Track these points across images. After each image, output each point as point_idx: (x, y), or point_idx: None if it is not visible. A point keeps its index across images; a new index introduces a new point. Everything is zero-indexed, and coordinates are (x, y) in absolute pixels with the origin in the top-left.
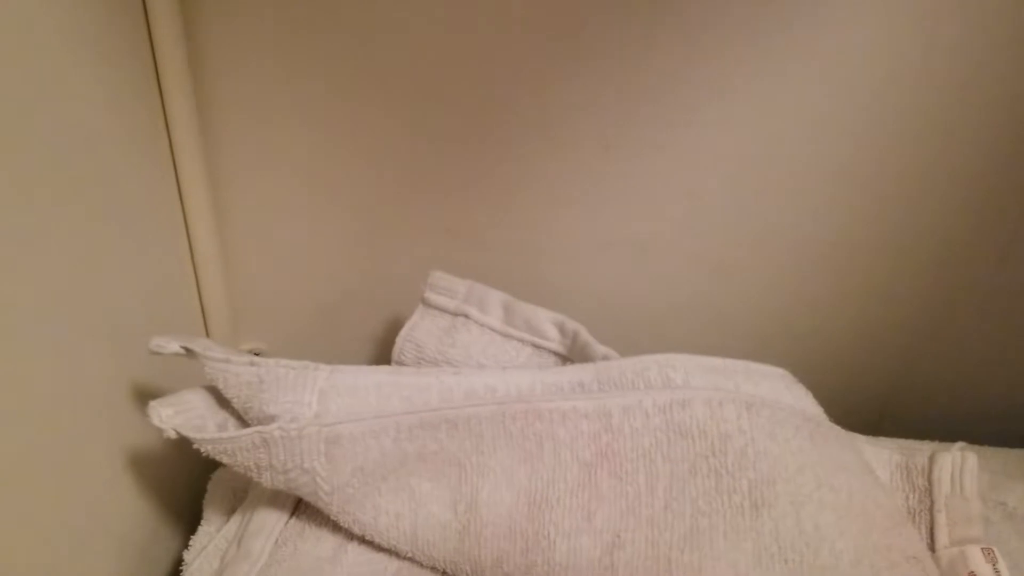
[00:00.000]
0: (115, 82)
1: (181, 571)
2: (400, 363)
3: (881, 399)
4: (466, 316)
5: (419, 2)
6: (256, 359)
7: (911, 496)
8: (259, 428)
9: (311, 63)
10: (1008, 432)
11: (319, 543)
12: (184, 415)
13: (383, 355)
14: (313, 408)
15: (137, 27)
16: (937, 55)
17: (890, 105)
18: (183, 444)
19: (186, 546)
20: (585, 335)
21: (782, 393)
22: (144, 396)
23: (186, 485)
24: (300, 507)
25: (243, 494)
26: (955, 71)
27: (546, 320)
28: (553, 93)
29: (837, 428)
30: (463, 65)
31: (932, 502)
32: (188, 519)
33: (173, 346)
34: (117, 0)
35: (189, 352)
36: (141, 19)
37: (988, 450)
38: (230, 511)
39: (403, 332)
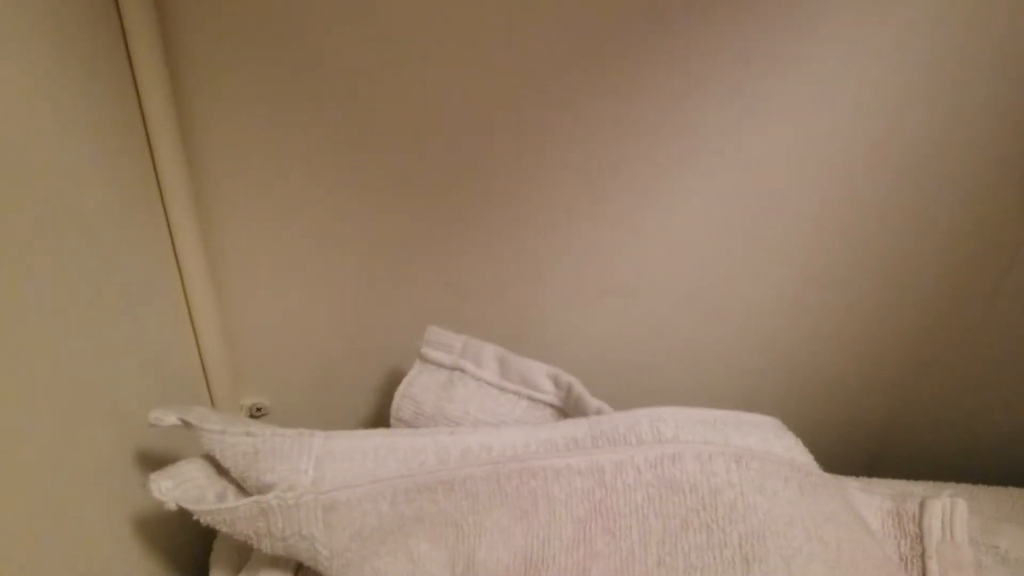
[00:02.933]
0: (106, 148)
1: None
2: (398, 419)
3: (876, 436)
4: (462, 371)
5: (409, 65)
6: (252, 428)
7: (903, 543)
8: (257, 498)
9: (307, 122)
10: (1004, 467)
11: None
12: (183, 487)
13: (384, 407)
14: (310, 475)
15: (126, 92)
16: (918, 102)
17: (877, 150)
18: (188, 512)
19: None
20: (579, 388)
21: (772, 443)
22: (147, 460)
23: (193, 544)
24: (302, 568)
25: (248, 553)
26: (939, 109)
27: (541, 373)
28: (546, 149)
29: (827, 476)
30: (462, 124)
31: (924, 549)
32: None
33: (171, 418)
34: (106, 71)
35: (186, 423)
36: (130, 85)
37: (980, 491)
38: (236, 570)
39: (401, 388)
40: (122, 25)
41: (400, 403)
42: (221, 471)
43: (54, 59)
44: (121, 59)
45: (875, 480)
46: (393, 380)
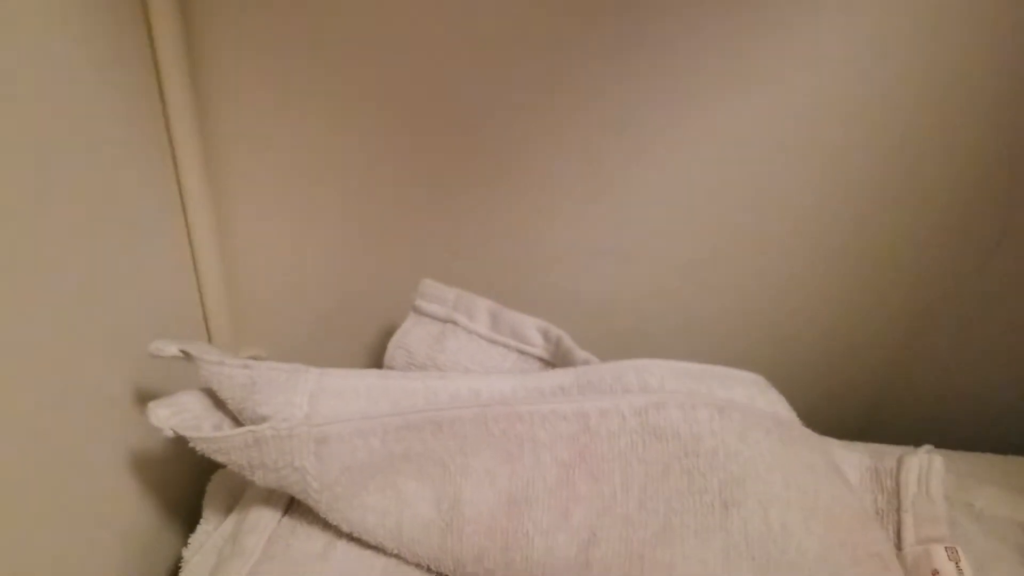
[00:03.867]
0: (119, 93)
1: (180, 567)
2: (391, 368)
3: (865, 405)
4: (455, 323)
5: (411, 31)
6: (249, 362)
7: (880, 497)
8: (251, 428)
9: (309, 78)
10: (991, 440)
11: (310, 540)
12: (181, 416)
13: (378, 361)
14: (304, 409)
15: (139, 36)
16: (917, 68)
17: (871, 115)
18: (183, 446)
19: (186, 543)
20: (568, 341)
21: (755, 397)
22: (146, 399)
23: (187, 485)
24: (293, 506)
25: (240, 494)
26: (932, 84)
27: (531, 326)
28: (540, 109)
29: (808, 431)
30: (456, 81)
31: (899, 503)
32: (189, 518)
33: (171, 349)
34: (124, 23)
35: (186, 355)
36: (143, 27)
37: (957, 454)
38: (228, 510)
39: (395, 338)
40: None
41: (393, 353)
42: (218, 404)
43: None
44: None
45: (857, 443)
46: (387, 334)
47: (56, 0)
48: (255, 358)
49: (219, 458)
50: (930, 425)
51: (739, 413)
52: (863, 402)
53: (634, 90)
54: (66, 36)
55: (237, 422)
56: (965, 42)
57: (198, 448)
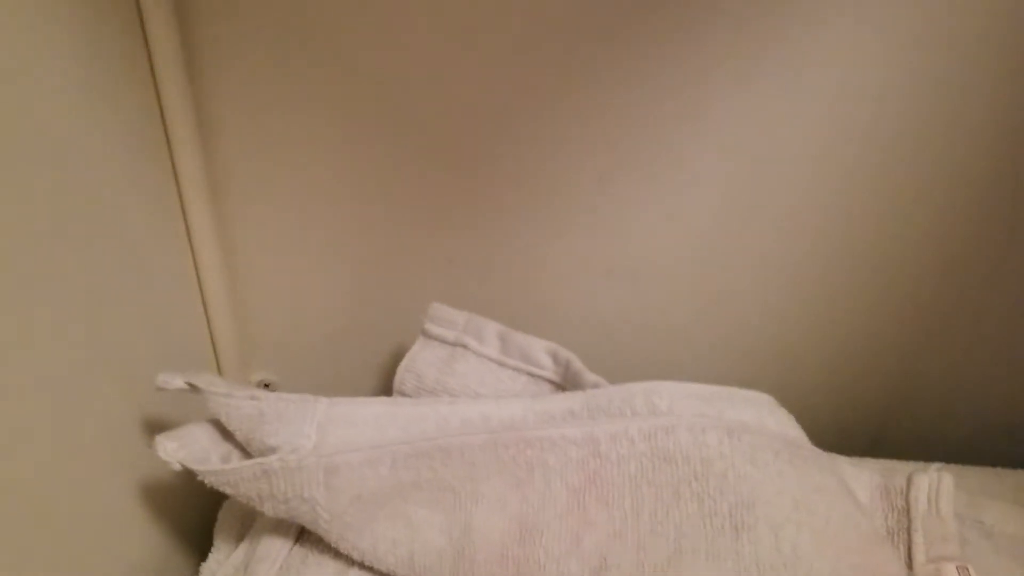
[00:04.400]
0: (122, 123)
1: None
2: (401, 392)
3: (876, 419)
4: (464, 347)
5: (417, 43)
6: (257, 393)
7: (890, 516)
8: (260, 460)
9: (314, 103)
10: (1000, 453)
11: (321, 569)
12: (188, 448)
13: (388, 383)
14: (312, 440)
15: (141, 66)
16: (927, 79)
17: (881, 129)
18: (193, 475)
19: (197, 573)
20: (577, 363)
21: (765, 418)
22: (155, 428)
23: (198, 513)
24: (304, 534)
25: (252, 522)
26: (944, 93)
27: (540, 349)
28: (549, 126)
29: (817, 451)
30: (461, 101)
31: (910, 522)
32: (199, 546)
33: (178, 382)
34: (122, 49)
35: (193, 387)
36: (144, 58)
37: (967, 469)
38: (239, 539)
39: (404, 363)
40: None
41: (403, 377)
42: (226, 435)
43: (65, 10)
44: (133, 20)
45: (867, 459)
46: (397, 357)
47: (53, 41)
48: (264, 383)
49: (227, 490)
50: (939, 439)
51: (749, 435)
52: (871, 418)
53: (642, 109)
54: (68, 78)
55: (246, 453)
56: (972, 45)
57: (206, 481)
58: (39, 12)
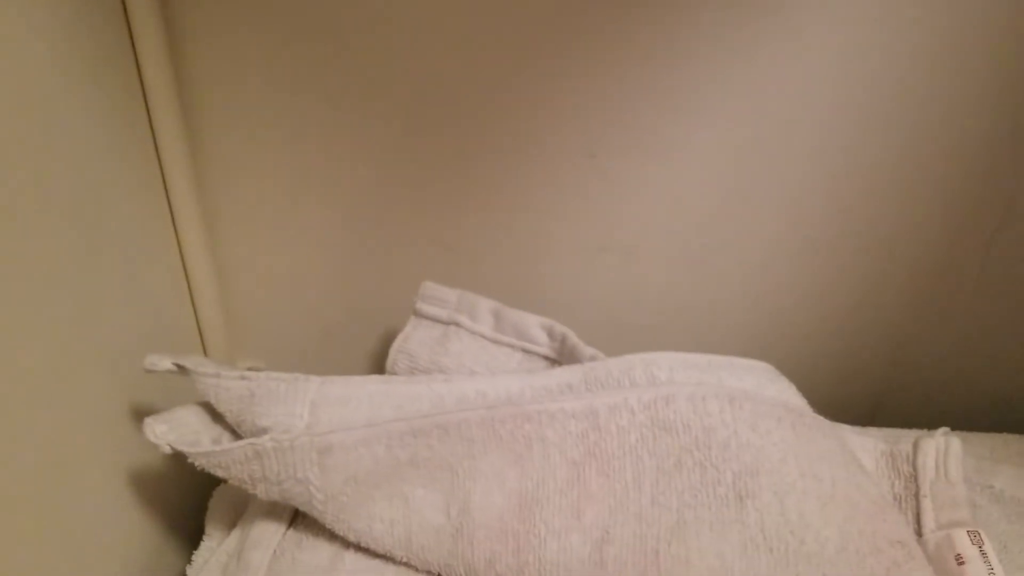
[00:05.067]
0: (104, 105)
1: None
2: (394, 374)
3: (873, 394)
4: (457, 325)
5: (405, 19)
6: (247, 373)
7: (897, 483)
8: (251, 440)
9: (299, 82)
10: (1001, 423)
11: (316, 552)
12: (178, 431)
13: (379, 368)
14: (305, 419)
15: (123, 47)
16: (922, 59)
17: (875, 106)
18: (183, 461)
19: (189, 561)
20: (573, 338)
21: (765, 386)
22: (143, 415)
23: (189, 501)
24: (297, 518)
25: (244, 508)
26: (936, 75)
27: (535, 325)
28: (539, 103)
29: (820, 418)
30: (450, 78)
31: (918, 488)
32: (191, 534)
33: (166, 363)
34: (104, 30)
35: (181, 369)
36: (126, 39)
37: (974, 435)
38: (231, 525)
39: (396, 343)
40: None
41: (395, 358)
42: (217, 418)
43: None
44: (118, 10)
45: (870, 428)
46: (388, 341)
47: (38, 35)
48: (253, 370)
49: (219, 473)
50: (940, 408)
51: (750, 402)
52: (871, 387)
53: (635, 84)
54: (54, 65)
55: (237, 436)
56: (967, 35)
57: (197, 463)
58: None
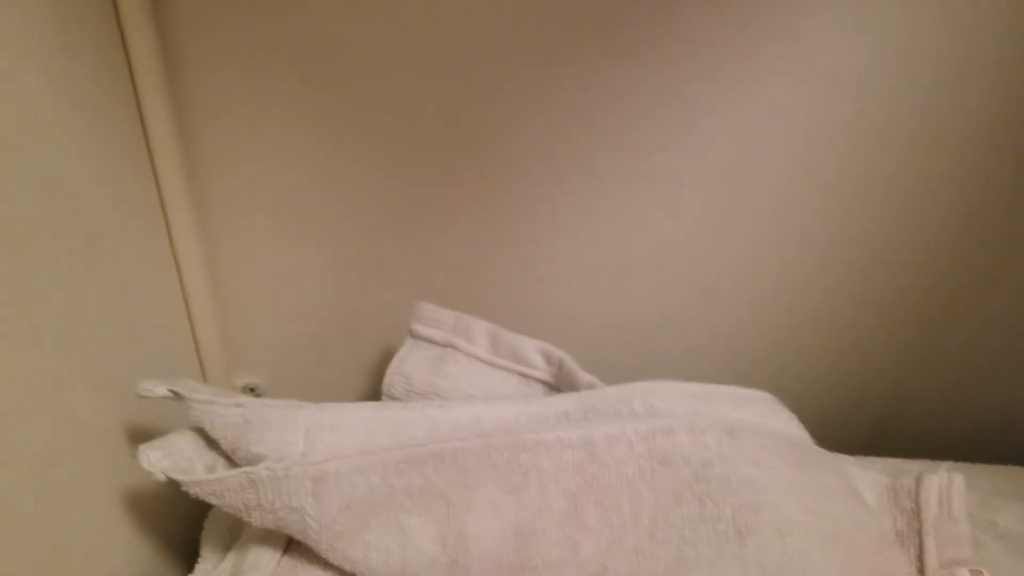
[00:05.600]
0: (100, 125)
1: None
2: (390, 396)
3: (874, 416)
4: (454, 347)
5: (402, 39)
6: (241, 399)
7: (899, 518)
8: (246, 469)
9: (295, 101)
10: (1001, 447)
11: None
12: (172, 458)
13: (377, 385)
14: (299, 447)
15: (119, 72)
16: (922, 80)
17: (879, 127)
18: (177, 485)
19: None
20: (570, 363)
21: (766, 417)
22: (139, 437)
23: (183, 523)
24: (293, 544)
25: (239, 531)
26: (941, 95)
27: (532, 349)
28: (538, 122)
29: (822, 451)
30: (448, 96)
31: (920, 524)
32: (186, 557)
33: (160, 389)
34: (103, 56)
35: (176, 395)
36: (123, 65)
37: (978, 468)
38: (227, 548)
39: (392, 365)
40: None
41: (391, 380)
42: (211, 444)
43: (46, 27)
44: (115, 34)
45: (872, 458)
46: (385, 359)
47: (32, 47)
48: (250, 387)
49: (213, 500)
50: (941, 434)
51: (751, 435)
52: (872, 412)
53: (633, 104)
54: (47, 87)
55: (231, 462)
56: (974, 46)
57: (191, 491)
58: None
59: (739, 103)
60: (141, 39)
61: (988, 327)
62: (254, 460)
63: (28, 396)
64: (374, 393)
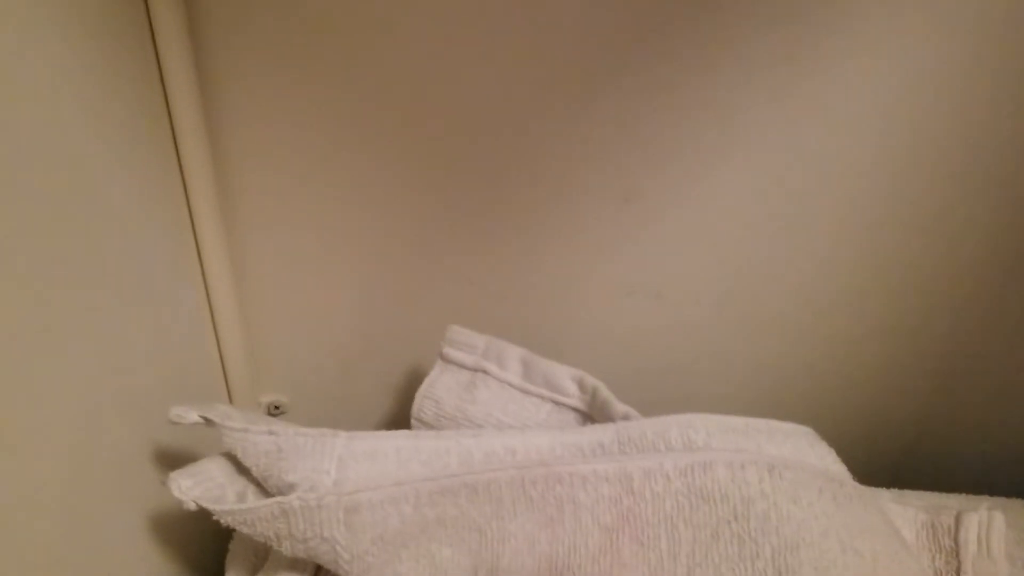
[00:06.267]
0: (131, 138)
1: None
2: (419, 419)
3: (904, 445)
4: (485, 372)
5: (441, 61)
6: (274, 427)
7: (938, 557)
8: (278, 499)
9: (327, 119)
10: None
11: None
12: (203, 485)
13: (403, 406)
14: (332, 475)
15: (153, 88)
16: (949, 96)
17: (909, 151)
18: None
19: None
20: (604, 392)
21: (805, 452)
22: (166, 458)
23: (209, 545)
24: (321, 570)
25: (265, 555)
26: (972, 110)
27: (565, 376)
28: (573, 146)
29: (861, 488)
30: (483, 119)
31: (959, 563)
32: None
33: (192, 416)
34: (135, 72)
35: (208, 421)
36: (156, 80)
37: (1016, 503)
38: (253, 571)
39: (422, 388)
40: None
41: (421, 404)
42: (242, 470)
43: (78, 46)
44: (148, 49)
45: (908, 492)
46: (413, 379)
47: (66, 57)
48: (275, 405)
49: (244, 529)
50: (970, 466)
51: (790, 472)
52: (901, 439)
53: (669, 122)
54: (79, 97)
55: (261, 489)
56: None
57: (222, 520)
58: (49, 25)
59: (779, 132)
60: (174, 53)
61: (1020, 353)
62: (286, 488)
63: (54, 413)
64: (400, 413)
